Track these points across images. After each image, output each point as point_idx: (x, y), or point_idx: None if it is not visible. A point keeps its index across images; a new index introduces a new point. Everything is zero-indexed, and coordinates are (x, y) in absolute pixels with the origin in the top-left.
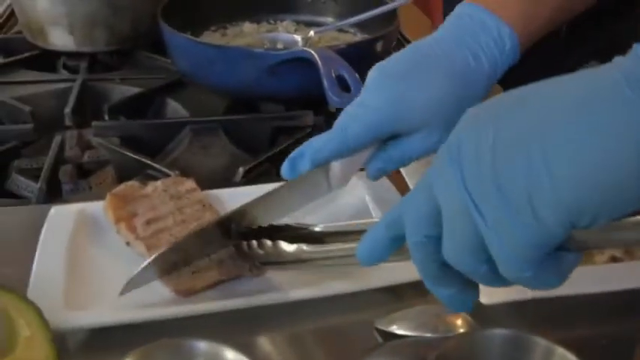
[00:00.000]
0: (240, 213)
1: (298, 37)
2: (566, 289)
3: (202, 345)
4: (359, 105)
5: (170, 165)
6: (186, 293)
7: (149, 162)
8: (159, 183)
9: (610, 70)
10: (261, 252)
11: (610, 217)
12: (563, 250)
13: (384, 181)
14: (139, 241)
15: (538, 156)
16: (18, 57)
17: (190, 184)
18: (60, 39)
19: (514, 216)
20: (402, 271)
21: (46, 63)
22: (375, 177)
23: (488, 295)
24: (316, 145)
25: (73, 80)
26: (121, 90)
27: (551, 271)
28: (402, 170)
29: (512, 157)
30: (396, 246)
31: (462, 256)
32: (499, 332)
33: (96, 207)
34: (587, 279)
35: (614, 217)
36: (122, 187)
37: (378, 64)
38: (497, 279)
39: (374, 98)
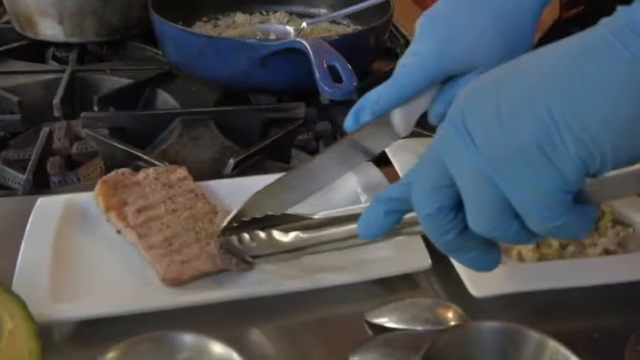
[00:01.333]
0: (309, 168)
1: (291, 29)
2: (559, 281)
3: (188, 337)
4: (410, 54)
5: (160, 157)
6: (173, 282)
7: (138, 153)
8: (151, 170)
9: (597, 29)
10: (253, 244)
11: (620, 160)
12: (583, 204)
13: (375, 172)
14: (130, 229)
15: (543, 108)
16: (6, 47)
17: (182, 172)
18: (49, 29)
19: (532, 168)
20: (393, 264)
21: (36, 53)
22: (439, 120)
23: (479, 288)
24: (374, 96)
25: (62, 71)
26: (111, 81)
27: (578, 220)
28: (392, 159)
29: (518, 115)
30: (394, 219)
31: (490, 222)
32: (490, 325)
33: (83, 198)
34: (580, 272)
35: (624, 161)
36: (113, 174)
37: (425, 13)
38: (528, 236)
39: (423, 45)
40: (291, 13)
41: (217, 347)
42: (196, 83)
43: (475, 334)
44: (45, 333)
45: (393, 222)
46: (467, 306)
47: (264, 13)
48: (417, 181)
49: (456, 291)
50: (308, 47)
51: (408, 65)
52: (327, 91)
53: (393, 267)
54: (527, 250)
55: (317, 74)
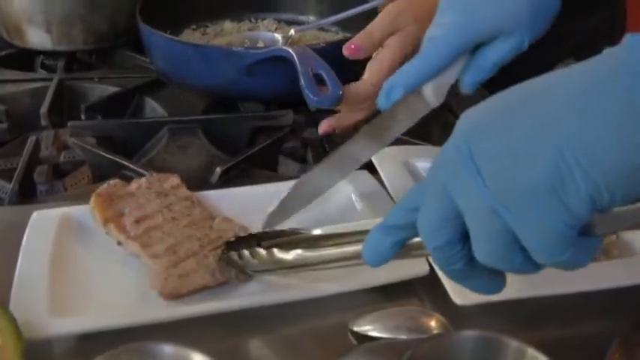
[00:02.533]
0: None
1: (279, 36)
2: (540, 289)
3: (168, 349)
4: (435, 26)
5: (147, 165)
6: (171, 296)
7: (125, 162)
8: (143, 180)
9: (604, 60)
10: (254, 261)
11: (629, 198)
12: (587, 236)
13: (369, 179)
14: (132, 240)
15: (554, 148)
16: None
17: (174, 180)
18: (37, 37)
19: (541, 207)
20: (376, 274)
21: (24, 62)
22: (472, 89)
23: (462, 297)
24: (406, 73)
25: (50, 79)
26: (99, 89)
27: (582, 252)
28: (379, 168)
29: (528, 152)
30: (399, 247)
31: (496, 254)
32: (472, 334)
33: (78, 211)
34: (561, 280)
35: (633, 197)
36: (105, 186)
37: None
38: (531, 267)
39: (447, 16)
40: (279, 21)
41: (198, 358)
42: (184, 91)
43: (456, 342)
44: (39, 347)
45: (399, 248)
46: (451, 315)
47: (252, 20)
48: (424, 214)
49: (441, 300)
50: (294, 55)
51: (434, 38)
52: (313, 99)
53: (391, 274)
54: None
55: (302, 82)
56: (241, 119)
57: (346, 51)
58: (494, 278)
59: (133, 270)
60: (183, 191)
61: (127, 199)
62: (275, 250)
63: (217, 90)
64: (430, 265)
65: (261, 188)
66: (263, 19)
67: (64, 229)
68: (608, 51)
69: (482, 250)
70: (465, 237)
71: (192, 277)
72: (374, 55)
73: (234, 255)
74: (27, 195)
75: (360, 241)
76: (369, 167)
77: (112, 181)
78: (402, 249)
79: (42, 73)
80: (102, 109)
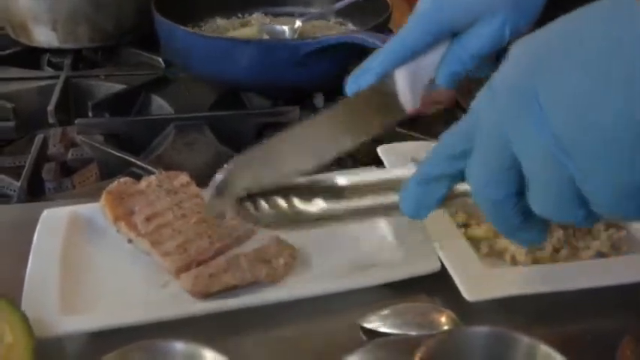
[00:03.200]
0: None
1: (285, 28)
2: (551, 285)
3: (179, 346)
4: (412, 14)
5: (154, 162)
6: (201, 295)
7: (133, 159)
8: (153, 178)
9: None
10: (271, 212)
11: None
12: None
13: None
14: (142, 237)
15: (630, 96)
16: (1, 54)
17: (184, 178)
18: (43, 35)
19: (616, 160)
20: (403, 267)
21: (30, 60)
22: (448, 83)
23: (473, 293)
24: (376, 55)
25: (57, 77)
26: (105, 87)
27: None
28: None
29: (608, 97)
30: (444, 195)
31: (557, 207)
32: (482, 329)
33: (88, 209)
34: (574, 275)
35: None
36: (116, 184)
37: None
38: (592, 220)
39: (423, 2)
40: (266, 14)
41: (209, 354)
42: (190, 88)
43: (467, 338)
44: (50, 344)
45: (443, 197)
46: (461, 311)
47: (240, 16)
48: (476, 163)
49: (450, 295)
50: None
51: (409, 23)
52: None
53: (403, 270)
54: (520, 253)
55: None
56: (248, 116)
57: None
58: (544, 229)
59: (143, 267)
60: (193, 189)
61: (137, 197)
62: (296, 200)
63: (267, 84)
64: (441, 261)
65: None
66: (251, 14)
67: (74, 227)
68: None
69: (543, 203)
70: (522, 189)
71: (221, 277)
72: None
73: (249, 206)
74: (35, 193)
75: (389, 189)
76: (377, 162)
77: (122, 179)
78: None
79: (48, 71)
80: (109, 106)
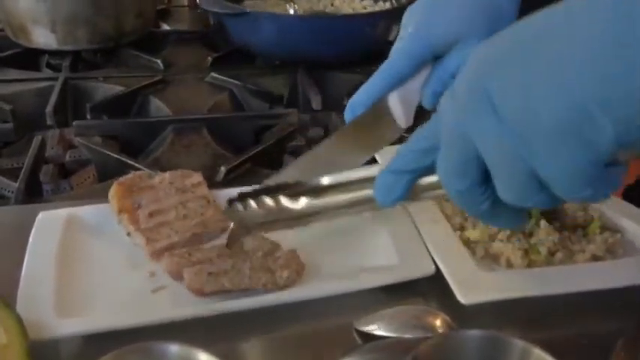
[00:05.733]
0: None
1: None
2: (545, 289)
3: (174, 348)
4: (398, 40)
5: (152, 164)
6: (196, 292)
7: (130, 161)
8: (167, 174)
9: None
10: (260, 211)
11: None
12: (611, 165)
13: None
14: (139, 232)
15: (576, 83)
16: (0, 55)
17: (197, 177)
18: (42, 37)
19: (565, 145)
20: (397, 271)
21: (30, 61)
22: (432, 103)
23: (468, 296)
24: (368, 82)
25: (55, 79)
26: (104, 89)
27: (605, 184)
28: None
29: (551, 89)
30: (412, 185)
31: (519, 193)
32: (477, 333)
33: (84, 211)
34: (569, 278)
35: None
36: (130, 175)
37: (409, 6)
38: (554, 202)
39: (407, 28)
40: None
41: (204, 358)
42: (189, 90)
43: (461, 342)
44: (45, 347)
45: (411, 187)
46: (456, 314)
47: None
48: (443, 158)
49: (445, 299)
50: None
51: (395, 49)
52: None
53: (398, 274)
54: (515, 256)
55: None
56: (246, 118)
57: None
58: (519, 213)
59: (138, 270)
60: (202, 190)
61: (147, 192)
62: (282, 199)
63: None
64: (436, 264)
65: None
66: None
67: (70, 229)
68: None
69: (506, 191)
70: (487, 178)
71: (220, 278)
72: None
73: (238, 206)
74: (33, 194)
75: (367, 187)
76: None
77: (137, 172)
78: (414, 190)
79: (47, 73)
80: (107, 108)
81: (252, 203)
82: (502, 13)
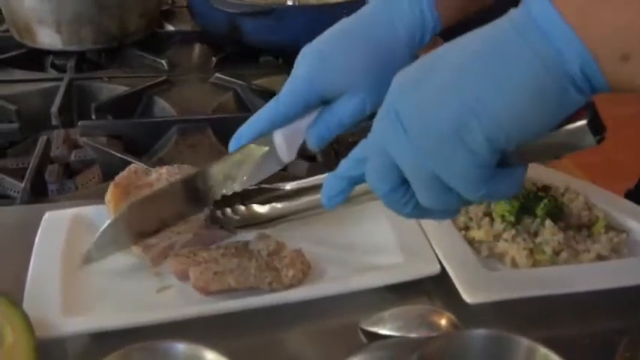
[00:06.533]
0: (202, 175)
1: None
2: (550, 288)
3: (181, 347)
4: (290, 78)
5: (156, 164)
6: (202, 290)
7: (135, 161)
8: (164, 170)
9: (503, 23)
10: (236, 217)
11: (524, 139)
12: (509, 166)
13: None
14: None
15: (456, 102)
16: (5, 55)
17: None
18: (47, 37)
19: (450, 152)
20: (402, 270)
21: (34, 61)
22: (317, 144)
23: (473, 295)
24: (255, 117)
25: (60, 79)
26: (109, 89)
27: (503, 184)
28: None
29: (436, 108)
30: (349, 192)
31: (432, 197)
32: (482, 332)
33: (89, 210)
34: (574, 278)
35: (528, 138)
36: (125, 173)
37: (307, 44)
38: (461, 202)
39: (299, 69)
40: None
41: (210, 355)
42: (194, 90)
43: (467, 341)
44: (52, 345)
45: (349, 192)
46: (461, 313)
47: None
48: (368, 167)
49: (450, 298)
50: None
51: (285, 88)
52: None
53: (403, 273)
54: (520, 256)
55: None
56: None
57: None
58: (446, 210)
59: (144, 269)
60: None
61: (144, 191)
62: (254, 206)
63: None
64: (441, 264)
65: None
66: None
67: (75, 229)
68: (510, 12)
69: (419, 193)
70: (407, 183)
71: (225, 277)
72: None
73: (218, 213)
74: (38, 194)
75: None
76: None
77: (132, 167)
78: (353, 195)
79: (52, 73)
80: (112, 108)
81: (228, 210)
82: (395, 58)
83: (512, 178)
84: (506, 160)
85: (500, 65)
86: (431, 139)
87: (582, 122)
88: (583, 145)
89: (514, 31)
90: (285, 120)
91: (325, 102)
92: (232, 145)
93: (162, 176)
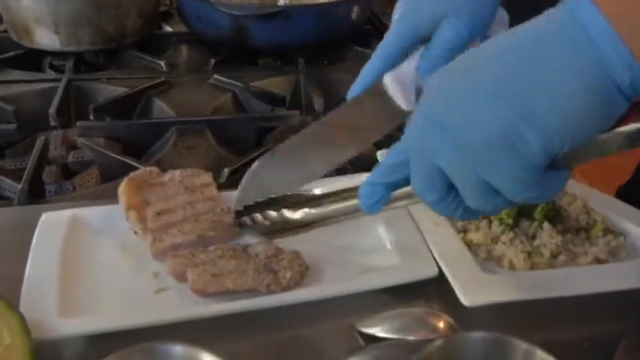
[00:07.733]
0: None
1: None
2: (548, 291)
3: (178, 349)
4: (391, 23)
5: (155, 166)
6: (199, 292)
7: (133, 163)
8: (177, 172)
9: (550, 25)
10: (266, 223)
11: (576, 141)
12: (555, 169)
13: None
14: (147, 232)
15: (504, 105)
16: (3, 56)
17: (207, 178)
18: (45, 38)
19: (500, 157)
20: (400, 272)
21: (32, 62)
22: (426, 74)
23: (470, 298)
24: (364, 67)
25: (58, 80)
26: (107, 90)
27: (550, 186)
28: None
29: (483, 112)
30: (390, 194)
31: (479, 200)
32: (480, 335)
33: (87, 212)
34: (571, 281)
35: (580, 140)
36: (140, 171)
37: None
38: (511, 204)
39: (396, 13)
40: None
41: (208, 358)
42: (192, 92)
43: (464, 343)
44: (48, 347)
45: (387, 197)
46: (459, 316)
47: None
48: (413, 176)
49: (448, 301)
50: None
51: (387, 33)
52: None
53: (401, 275)
54: (518, 259)
55: None
56: (248, 120)
57: None
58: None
59: (142, 271)
60: (211, 191)
61: (157, 189)
62: (284, 211)
63: None
64: (439, 266)
65: None
66: None
67: (73, 230)
68: (547, 12)
69: (467, 198)
70: (454, 188)
71: (223, 279)
72: None
73: (246, 219)
74: (36, 195)
75: (356, 196)
76: None
77: (149, 168)
78: (393, 199)
79: (50, 74)
80: (110, 109)
81: (259, 216)
82: None
83: (558, 180)
84: (551, 163)
85: (552, 71)
86: (482, 149)
87: (638, 125)
88: (637, 145)
89: (564, 38)
90: (392, 60)
91: (424, 41)
92: (348, 97)
93: (176, 178)
